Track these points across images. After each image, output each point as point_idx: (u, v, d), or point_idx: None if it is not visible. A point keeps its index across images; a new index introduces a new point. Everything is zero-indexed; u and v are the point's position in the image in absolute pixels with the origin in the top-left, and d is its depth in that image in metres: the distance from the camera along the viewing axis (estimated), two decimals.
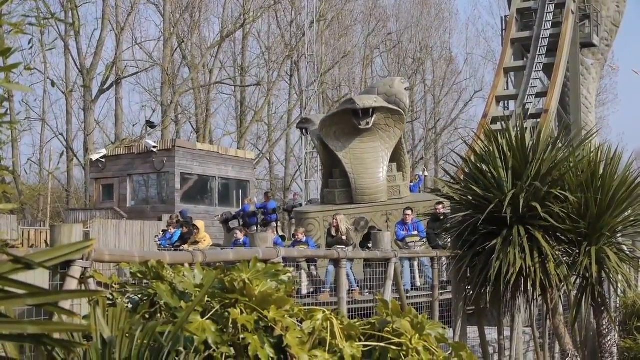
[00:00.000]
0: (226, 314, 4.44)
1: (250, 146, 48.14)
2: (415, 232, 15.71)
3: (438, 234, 15.05)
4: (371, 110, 17.82)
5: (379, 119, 18.05)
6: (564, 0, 36.66)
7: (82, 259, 4.90)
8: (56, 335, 2.55)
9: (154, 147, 29.95)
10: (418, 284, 14.46)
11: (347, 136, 18.41)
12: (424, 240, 15.45)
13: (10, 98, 35.89)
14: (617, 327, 13.63)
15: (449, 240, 13.23)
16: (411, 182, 20.54)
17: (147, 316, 4.59)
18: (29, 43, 27.57)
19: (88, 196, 35.08)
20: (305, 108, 40.98)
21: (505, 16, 40.99)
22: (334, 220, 15.77)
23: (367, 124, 17.87)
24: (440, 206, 15.75)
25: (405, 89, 19.10)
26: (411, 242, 15.40)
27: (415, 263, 14.91)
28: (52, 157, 42.09)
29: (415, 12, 56.55)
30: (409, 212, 16.01)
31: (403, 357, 4.99)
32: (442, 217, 14.61)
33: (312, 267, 14.91)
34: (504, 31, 40.22)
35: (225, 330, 4.42)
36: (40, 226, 27.34)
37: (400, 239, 15.46)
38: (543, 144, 9.95)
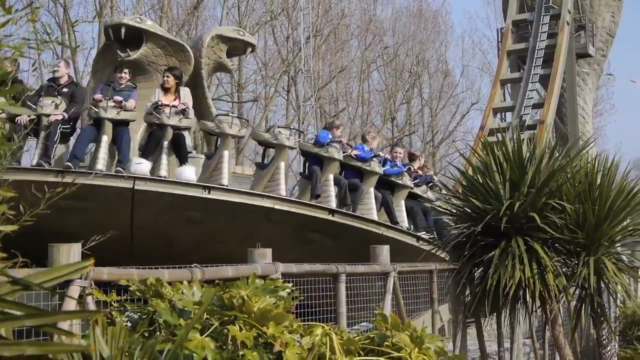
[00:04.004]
0: (225, 330, 4.45)
1: (248, 162, 48.14)
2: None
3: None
4: (122, 30, 13.37)
5: (155, 55, 13.83)
6: (559, 12, 36.82)
7: (80, 278, 4.91)
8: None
9: None
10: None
11: None
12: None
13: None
14: (617, 337, 13.62)
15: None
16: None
17: (146, 334, 4.60)
18: (33, 65, 27.59)
19: None
20: (303, 123, 41.04)
21: (501, 28, 41.20)
22: None
23: (128, 55, 13.59)
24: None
25: (233, 37, 15.07)
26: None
27: None
28: None
29: (412, 25, 56.71)
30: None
31: None
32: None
33: None
34: (499, 43, 40.36)
35: (224, 347, 4.43)
36: None
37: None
38: (540, 155, 9.97)
